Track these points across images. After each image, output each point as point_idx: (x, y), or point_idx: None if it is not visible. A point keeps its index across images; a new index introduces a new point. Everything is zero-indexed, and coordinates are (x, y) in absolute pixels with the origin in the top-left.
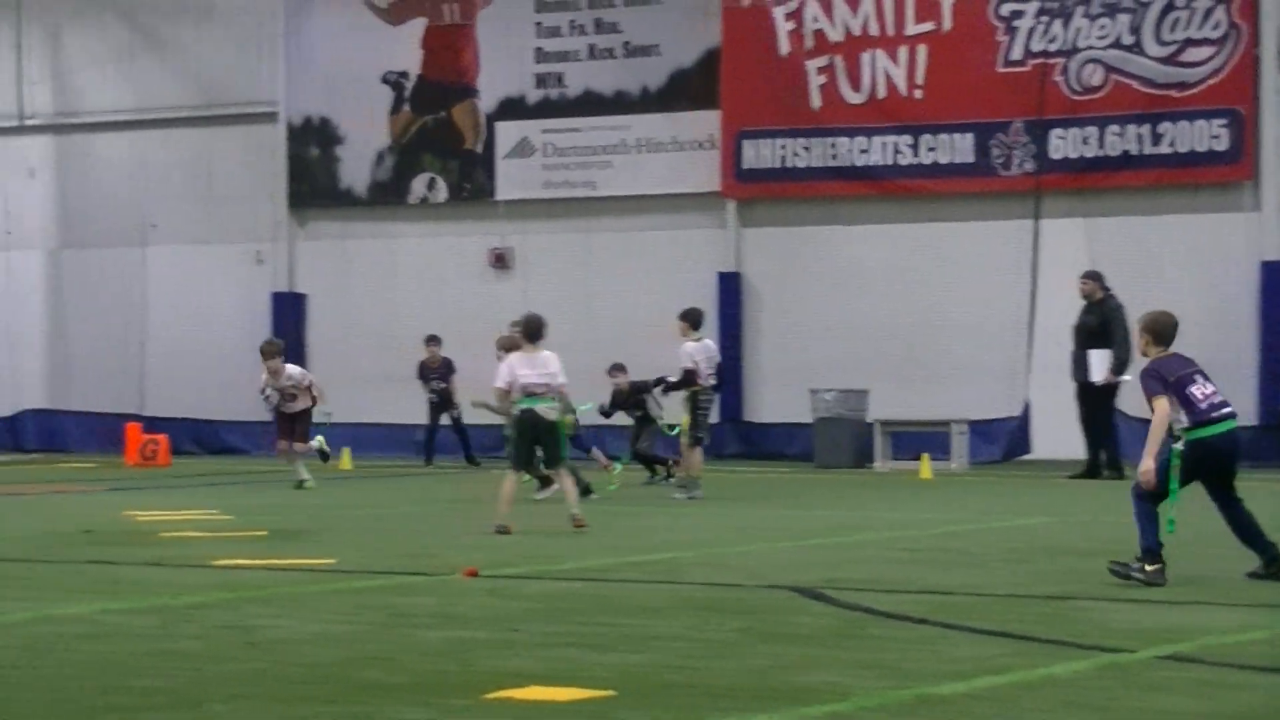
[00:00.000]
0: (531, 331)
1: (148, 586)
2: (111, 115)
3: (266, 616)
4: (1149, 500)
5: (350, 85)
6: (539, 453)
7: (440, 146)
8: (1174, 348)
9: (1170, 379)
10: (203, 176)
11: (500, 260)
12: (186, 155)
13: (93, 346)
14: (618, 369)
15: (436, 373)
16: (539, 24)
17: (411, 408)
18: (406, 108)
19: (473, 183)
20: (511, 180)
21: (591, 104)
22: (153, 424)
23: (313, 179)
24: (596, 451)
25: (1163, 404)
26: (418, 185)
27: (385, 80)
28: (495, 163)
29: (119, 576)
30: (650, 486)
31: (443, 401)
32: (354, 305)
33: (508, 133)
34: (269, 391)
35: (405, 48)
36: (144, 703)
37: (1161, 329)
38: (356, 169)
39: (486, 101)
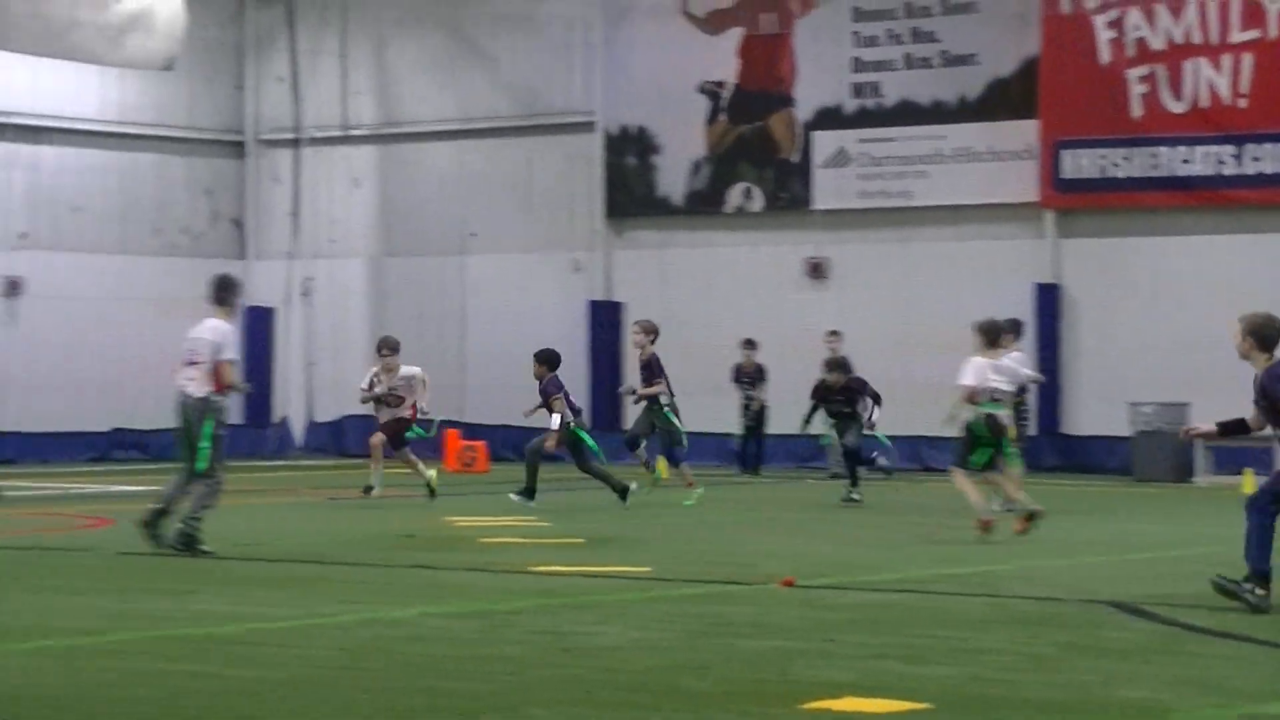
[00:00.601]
0: (992, 336)
1: (468, 591)
2: (434, 125)
3: (584, 623)
4: (1269, 518)
5: (667, 94)
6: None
7: (757, 156)
8: None
9: None
10: (522, 185)
11: (816, 270)
12: (506, 164)
13: (413, 353)
14: (835, 366)
15: (749, 377)
16: (856, 33)
17: (728, 417)
18: (723, 117)
19: (789, 192)
20: (827, 190)
21: (908, 113)
22: (472, 431)
23: (630, 188)
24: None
25: None
26: (734, 194)
27: (702, 90)
28: (811, 172)
29: (441, 581)
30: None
31: (753, 406)
32: (670, 314)
33: (824, 142)
34: (377, 389)
35: (722, 57)
36: (465, 706)
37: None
38: (673, 178)
39: (803, 111)
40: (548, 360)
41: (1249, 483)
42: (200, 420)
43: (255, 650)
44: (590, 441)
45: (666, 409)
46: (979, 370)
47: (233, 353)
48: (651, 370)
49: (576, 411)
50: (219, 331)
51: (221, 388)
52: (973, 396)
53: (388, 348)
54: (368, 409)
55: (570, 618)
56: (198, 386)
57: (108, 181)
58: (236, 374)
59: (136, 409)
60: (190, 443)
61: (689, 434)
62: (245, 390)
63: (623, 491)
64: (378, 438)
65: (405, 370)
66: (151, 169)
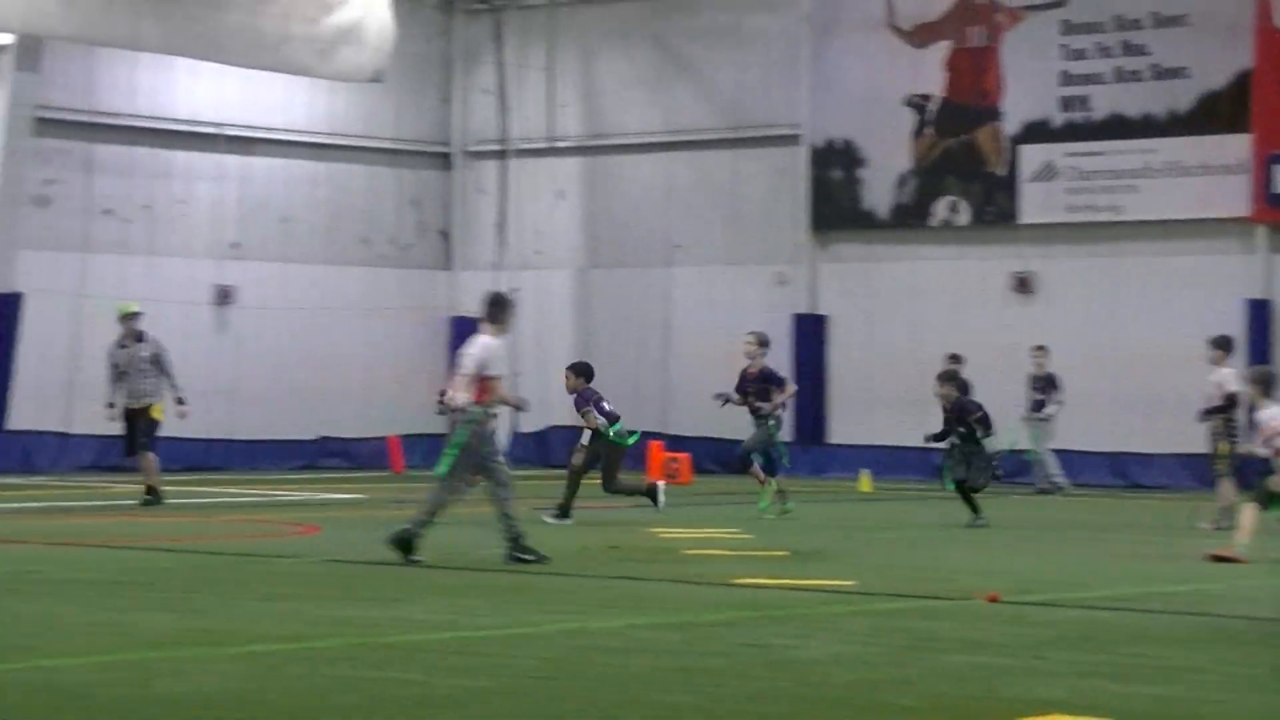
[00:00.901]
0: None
1: (672, 603)
2: (639, 137)
3: (788, 636)
4: None
5: (873, 107)
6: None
7: (963, 169)
8: None
9: None
10: (727, 198)
11: (1022, 284)
12: (712, 177)
13: (618, 365)
14: (946, 379)
15: (1039, 385)
16: (1065, 46)
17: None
18: (929, 130)
19: (995, 206)
20: (1035, 204)
21: (1117, 127)
22: (675, 442)
23: (835, 201)
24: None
25: None
26: (940, 208)
27: (908, 103)
28: (1018, 186)
29: (644, 593)
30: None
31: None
32: (875, 327)
33: (1031, 156)
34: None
35: (929, 70)
36: (667, 717)
37: None
38: (879, 191)
39: (1010, 124)
40: (583, 372)
41: None
42: (456, 428)
43: (459, 659)
44: (628, 441)
45: (773, 423)
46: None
47: (499, 369)
48: (767, 382)
49: (614, 419)
50: (487, 348)
51: (486, 400)
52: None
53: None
54: (564, 418)
55: (773, 631)
56: (460, 396)
57: (316, 192)
58: (506, 389)
59: (342, 418)
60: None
61: (894, 448)
62: (519, 406)
63: (651, 493)
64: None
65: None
66: (359, 180)
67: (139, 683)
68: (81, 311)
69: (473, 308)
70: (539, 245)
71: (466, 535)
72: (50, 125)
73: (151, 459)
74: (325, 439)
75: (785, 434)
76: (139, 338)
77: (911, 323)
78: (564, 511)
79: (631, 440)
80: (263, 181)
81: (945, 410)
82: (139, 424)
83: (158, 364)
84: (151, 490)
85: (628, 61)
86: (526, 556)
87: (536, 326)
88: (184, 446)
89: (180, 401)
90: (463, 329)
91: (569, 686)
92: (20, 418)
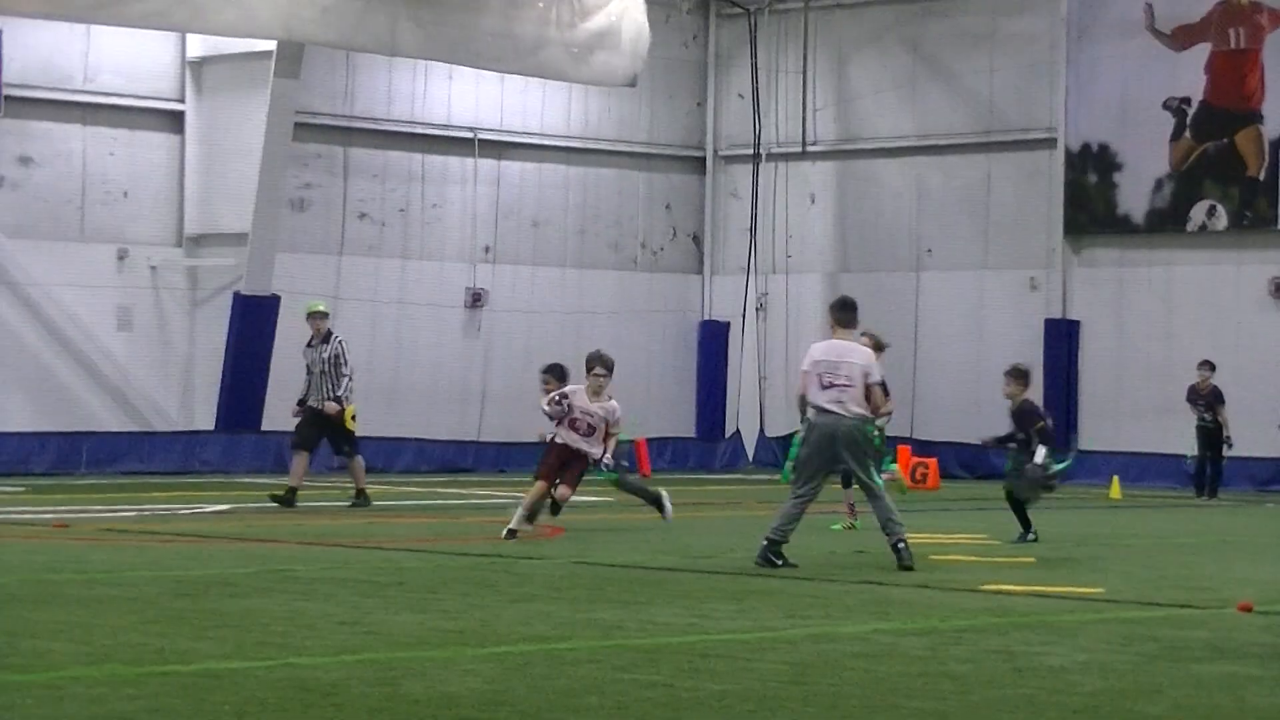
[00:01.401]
0: None
1: (917, 608)
2: (892, 141)
3: (1034, 643)
4: None
5: (1131, 111)
6: None
7: (1221, 173)
8: None
9: None
10: (979, 203)
11: None
12: (964, 182)
13: None
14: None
15: (1205, 399)
16: None
17: (1186, 439)
18: (1187, 134)
19: (1254, 210)
20: None
21: None
22: (924, 447)
23: (1090, 206)
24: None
25: None
26: (1197, 213)
27: (1167, 106)
28: (1279, 191)
29: (890, 598)
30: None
31: (1209, 431)
32: (1128, 334)
33: None
34: (567, 409)
35: (1188, 73)
36: None
37: None
38: (1135, 196)
39: (1271, 127)
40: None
41: None
42: (865, 439)
43: (704, 662)
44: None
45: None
46: None
47: (880, 375)
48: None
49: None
50: (867, 355)
51: (875, 411)
52: None
53: (608, 366)
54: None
55: (1020, 637)
56: (857, 407)
57: (569, 196)
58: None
59: None
60: (833, 461)
61: (1145, 455)
62: (888, 414)
63: (657, 500)
64: (562, 489)
65: (611, 405)
66: (612, 184)
67: (386, 682)
68: (337, 314)
69: (723, 312)
70: (790, 249)
71: (711, 539)
72: (308, 130)
73: (359, 462)
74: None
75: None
76: (325, 338)
77: (1165, 329)
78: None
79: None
80: (516, 185)
81: (1010, 412)
82: (335, 429)
83: (336, 365)
84: (360, 493)
85: (881, 65)
86: (905, 561)
87: (785, 331)
88: (434, 448)
89: (336, 400)
90: (713, 333)
91: (814, 691)
92: (274, 419)
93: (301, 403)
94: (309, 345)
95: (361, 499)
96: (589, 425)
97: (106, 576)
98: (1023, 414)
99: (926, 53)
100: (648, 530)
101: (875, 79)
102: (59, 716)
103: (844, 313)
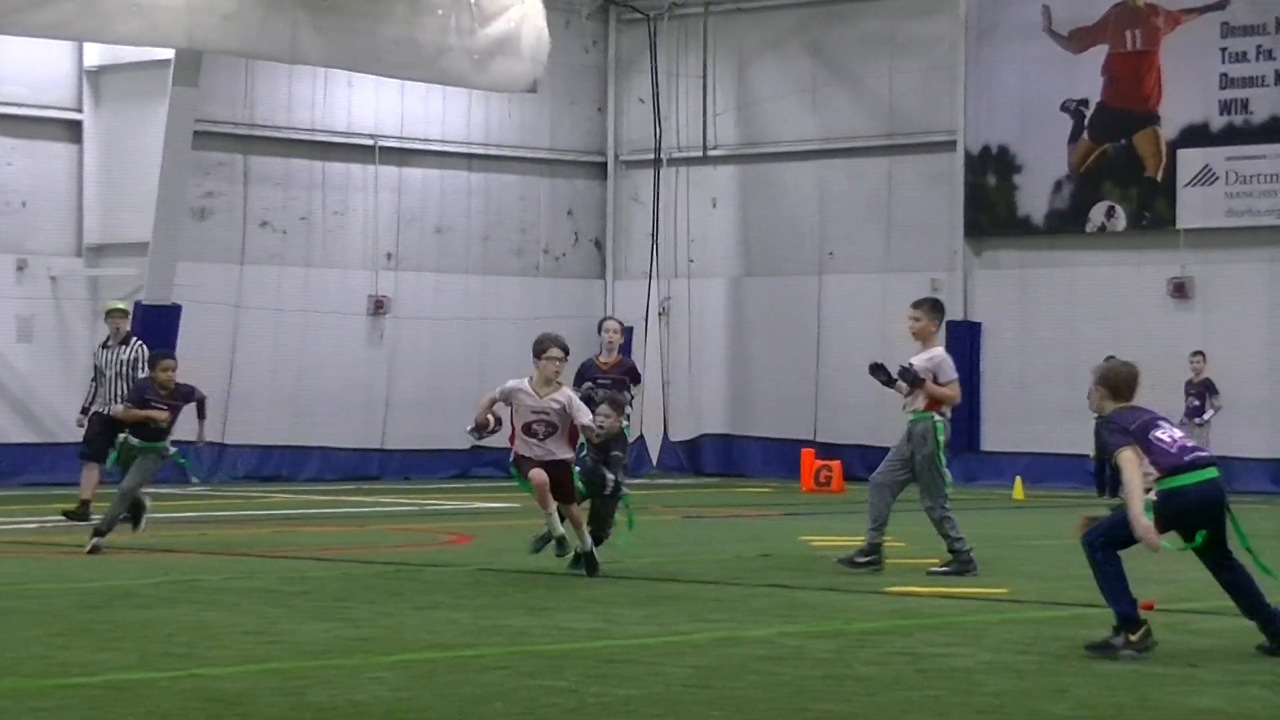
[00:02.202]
0: None
1: (823, 611)
2: (795, 145)
3: (940, 644)
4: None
5: (1030, 113)
6: None
7: (1121, 174)
8: None
9: (1131, 427)
10: (882, 205)
11: (1180, 290)
12: (867, 184)
13: (771, 372)
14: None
15: (1198, 389)
16: (1224, 50)
17: (1086, 439)
18: (1086, 135)
19: (1153, 211)
20: (1193, 209)
21: (1278, 130)
22: (827, 450)
23: (990, 208)
24: None
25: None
26: (1096, 214)
27: (1065, 108)
28: (1176, 191)
29: (796, 600)
30: None
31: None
32: (1030, 335)
33: (1190, 160)
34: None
35: (1086, 75)
36: None
37: (1118, 381)
38: (1035, 197)
39: (1169, 128)
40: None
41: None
42: (931, 438)
43: (611, 667)
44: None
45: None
46: None
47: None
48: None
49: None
50: (935, 356)
51: (938, 407)
52: None
53: (558, 347)
54: (716, 426)
55: (925, 639)
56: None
57: (472, 203)
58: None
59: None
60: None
61: (1048, 455)
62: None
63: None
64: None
65: (563, 393)
66: (515, 190)
67: (293, 691)
68: (239, 322)
69: (626, 317)
70: (693, 254)
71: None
72: (208, 138)
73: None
74: (478, 449)
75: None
76: (125, 339)
77: (1068, 330)
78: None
79: None
80: (418, 192)
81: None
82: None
83: (134, 368)
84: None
85: (782, 69)
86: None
87: (690, 335)
88: (339, 456)
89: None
90: None
91: (720, 695)
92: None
93: (85, 410)
94: (104, 346)
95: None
96: (548, 426)
97: (9, 589)
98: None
99: (828, 56)
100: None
101: (776, 83)
102: None
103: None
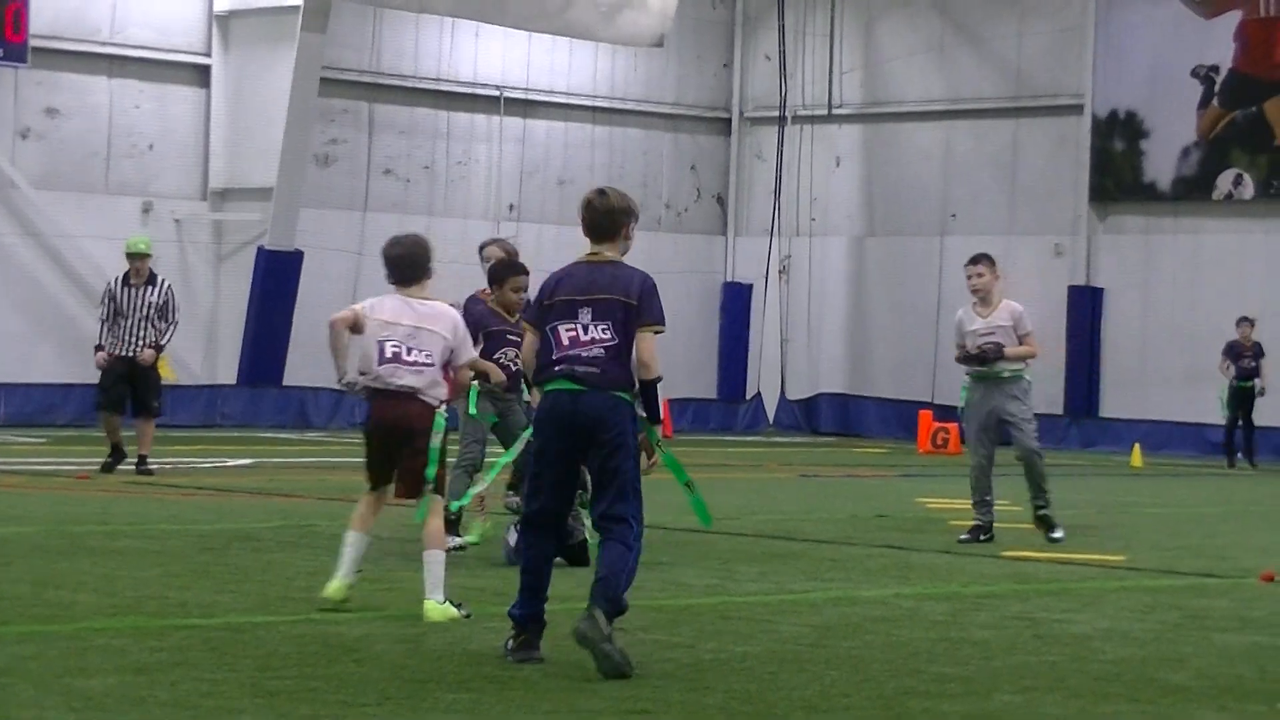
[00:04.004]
0: None
1: (939, 574)
2: (919, 105)
3: (1057, 610)
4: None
5: (1160, 79)
6: None
7: (1249, 142)
8: None
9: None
10: (1006, 168)
11: None
12: (991, 146)
13: (890, 333)
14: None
15: (1250, 353)
16: None
17: (1210, 408)
18: (1215, 102)
19: None
20: None
21: None
22: (944, 412)
23: (1116, 173)
24: None
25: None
26: (1224, 181)
27: (1195, 74)
28: None
29: (911, 562)
30: None
31: (1243, 392)
32: (1153, 301)
33: None
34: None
35: (1218, 41)
36: (936, 689)
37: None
38: (1162, 163)
39: None
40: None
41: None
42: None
43: (727, 624)
44: None
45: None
46: None
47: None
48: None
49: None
50: (1015, 311)
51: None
52: None
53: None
54: (833, 386)
55: (1042, 604)
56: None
57: (595, 156)
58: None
59: None
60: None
61: (1167, 423)
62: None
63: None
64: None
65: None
66: (638, 144)
67: (410, 639)
68: (360, 270)
69: (747, 274)
70: (815, 212)
71: (734, 501)
72: (334, 85)
73: (152, 426)
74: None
75: (1059, 407)
76: (150, 279)
77: (1191, 297)
78: None
79: None
80: (542, 144)
81: None
82: (146, 381)
83: (164, 312)
84: (143, 459)
85: (910, 28)
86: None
87: (808, 294)
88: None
89: (156, 347)
90: (736, 295)
91: (835, 654)
92: (297, 375)
93: (100, 349)
94: (126, 285)
95: (144, 465)
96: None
97: (130, 529)
98: None
99: (955, 16)
100: (671, 491)
101: (903, 42)
102: (82, 668)
103: None
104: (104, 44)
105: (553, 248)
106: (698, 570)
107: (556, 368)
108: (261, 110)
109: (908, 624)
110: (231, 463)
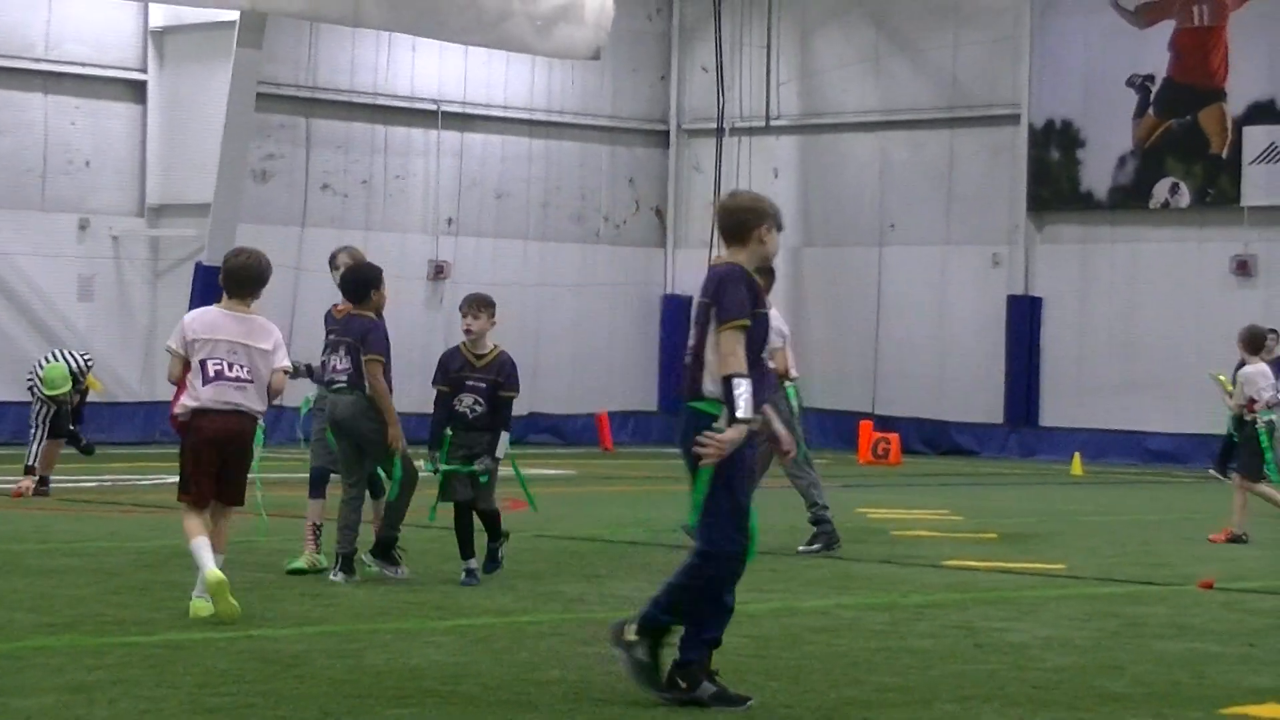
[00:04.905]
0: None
1: (879, 583)
2: (857, 116)
3: (996, 619)
4: None
5: (1095, 88)
6: None
7: (1185, 150)
8: None
9: None
10: (943, 178)
11: (1243, 268)
12: (929, 156)
13: (829, 344)
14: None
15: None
16: None
17: (1146, 415)
18: (1151, 111)
19: (1217, 188)
20: (1257, 186)
21: None
22: (884, 423)
23: (1053, 182)
24: None
25: None
26: (1160, 190)
27: (1131, 84)
28: (1241, 168)
29: (852, 572)
30: None
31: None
32: (1092, 310)
33: (1255, 137)
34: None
35: (1153, 50)
36: (876, 699)
37: None
38: (1098, 173)
39: (1234, 105)
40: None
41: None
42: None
43: (667, 637)
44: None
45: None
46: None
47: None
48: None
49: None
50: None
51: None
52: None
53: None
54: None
55: (981, 613)
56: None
57: (532, 169)
58: None
59: (551, 394)
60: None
61: (1107, 431)
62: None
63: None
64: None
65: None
66: (576, 157)
67: (349, 654)
68: (299, 285)
69: (686, 286)
70: None
71: (673, 513)
72: (271, 100)
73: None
74: (534, 414)
75: (998, 416)
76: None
77: (1128, 306)
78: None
79: None
80: (479, 158)
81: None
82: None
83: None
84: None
85: (845, 39)
86: None
87: None
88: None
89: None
90: (676, 307)
91: (776, 665)
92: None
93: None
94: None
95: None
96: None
97: (68, 547)
98: None
99: (891, 27)
100: (610, 504)
101: (839, 53)
102: (20, 686)
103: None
104: (39, 60)
105: (490, 260)
106: (636, 582)
107: None
108: (198, 126)
109: (848, 634)
110: (170, 479)
